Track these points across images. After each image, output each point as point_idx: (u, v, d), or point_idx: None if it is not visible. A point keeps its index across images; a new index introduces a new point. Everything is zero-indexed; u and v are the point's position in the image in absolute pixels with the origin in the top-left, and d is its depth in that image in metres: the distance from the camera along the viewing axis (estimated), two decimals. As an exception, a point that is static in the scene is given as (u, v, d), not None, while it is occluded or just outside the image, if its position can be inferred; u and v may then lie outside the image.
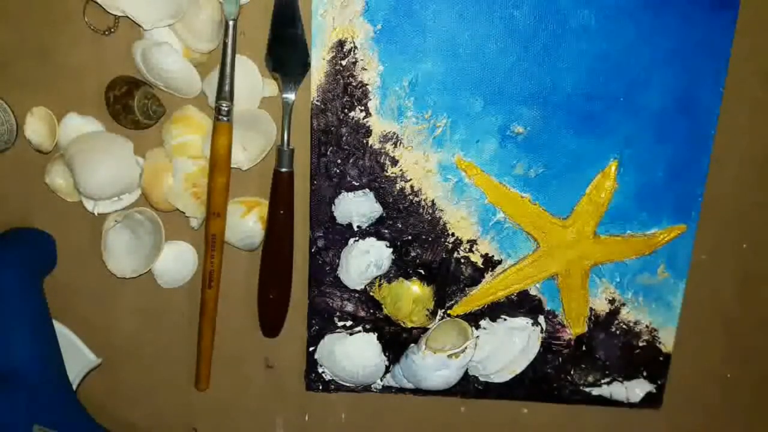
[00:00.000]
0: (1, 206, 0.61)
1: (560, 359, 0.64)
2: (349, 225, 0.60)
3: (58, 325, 0.61)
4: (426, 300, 0.62)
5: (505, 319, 0.63)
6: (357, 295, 0.62)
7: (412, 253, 0.61)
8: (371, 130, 0.58)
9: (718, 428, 0.69)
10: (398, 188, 0.59)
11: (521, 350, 0.63)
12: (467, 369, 0.63)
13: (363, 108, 0.57)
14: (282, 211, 0.58)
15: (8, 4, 0.56)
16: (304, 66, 0.56)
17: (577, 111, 0.58)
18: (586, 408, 0.66)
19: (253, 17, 0.56)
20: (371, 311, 0.63)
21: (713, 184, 0.60)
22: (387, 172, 0.59)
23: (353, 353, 0.63)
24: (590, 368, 0.65)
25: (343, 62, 0.56)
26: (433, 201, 0.60)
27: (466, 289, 0.62)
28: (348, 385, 0.65)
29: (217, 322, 0.62)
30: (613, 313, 0.63)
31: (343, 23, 0.55)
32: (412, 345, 0.62)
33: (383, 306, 0.62)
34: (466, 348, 0.60)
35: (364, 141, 0.58)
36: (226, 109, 0.55)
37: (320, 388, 0.65)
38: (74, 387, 0.62)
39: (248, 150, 0.58)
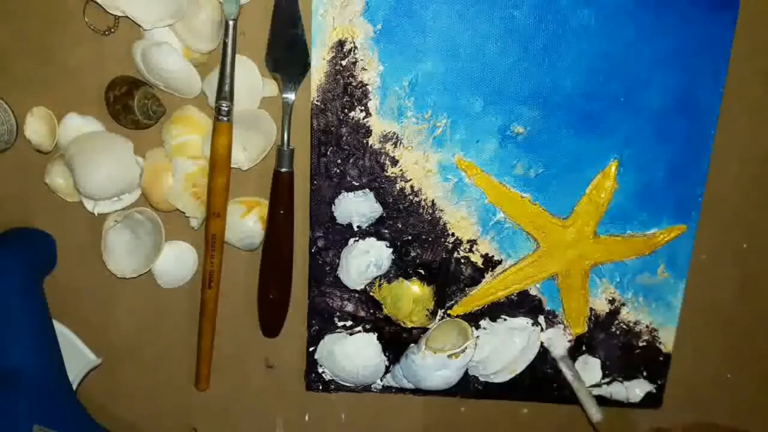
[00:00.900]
0: (1, 206, 0.61)
1: (560, 359, 0.65)
2: (349, 225, 0.60)
3: (58, 325, 0.61)
4: (426, 300, 0.62)
5: (505, 319, 0.63)
6: (357, 295, 0.62)
7: (412, 253, 0.61)
8: (371, 130, 0.58)
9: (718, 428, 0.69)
10: (398, 188, 0.59)
11: (521, 350, 0.63)
12: (467, 369, 0.63)
13: (363, 108, 0.57)
14: (282, 211, 0.58)
15: (8, 4, 0.56)
16: (304, 66, 0.56)
17: (577, 111, 0.58)
18: (586, 408, 0.67)
19: (253, 17, 0.56)
20: (371, 311, 0.63)
21: (713, 184, 0.60)
22: (387, 172, 0.59)
23: (353, 353, 0.63)
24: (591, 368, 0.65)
25: (343, 62, 0.56)
26: (433, 201, 0.60)
27: (466, 289, 0.62)
28: (348, 385, 0.65)
29: (217, 322, 0.62)
30: (613, 313, 0.63)
31: (343, 23, 0.55)
32: (412, 345, 0.62)
33: (383, 306, 0.62)
34: (466, 348, 0.60)
35: (364, 141, 0.58)
36: (226, 109, 0.55)
37: (320, 388, 0.65)
38: (74, 387, 0.62)
39: (248, 150, 0.58)
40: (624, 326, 0.64)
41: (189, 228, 0.60)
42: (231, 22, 0.54)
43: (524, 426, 0.68)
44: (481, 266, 0.62)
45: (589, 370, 0.65)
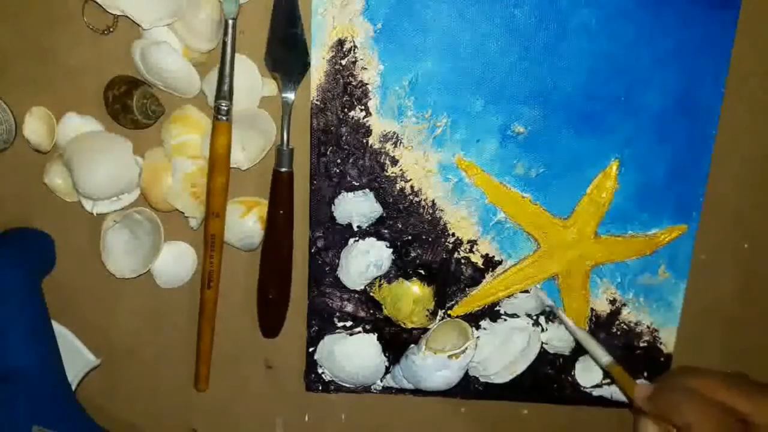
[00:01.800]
0: None
1: (561, 360, 0.64)
2: (349, 225, 0.60)
3: (57, 326, 0.61)
4: (426, 300, 0.62)
5: (505, 320, 0.63)
6: (357, 295, 0.62)
7: (413, 254, 0.61)
8: (371, 130, 0.58)
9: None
10: (398, 188, 0.59)
11: (521, 351, 0.63)
12: (467, 369, 0.62)
13: (363, 108, 0.57)
14: (282, 211, 0.58)
15: (8, 4, 0.56)
16: (304, 65, 0.56)
17: (578, 111, 0.58)
18: (587, 409, 0.66)
19: (253, 17, 0.56)
20: (371, 312, 0.62)
21: (714, 184, 0.60)
22: (387, 172, 0.59)
23: (353, 354, 0.63)
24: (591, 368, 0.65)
25: (343, 62, 0.56)
26: (433, 201, 0.60)
27: (467, 289, 0.62)
28: (348, 385, 0.65)
29: (216, 322, 0.62)
30: (614, 314, 0.63)
31: (343, 22, 0.55)
32: (413, 345, 0.62)
33: (383, 306, 0.62)
34: (466, 348, 0.60)
35: (364, 141, 0.58)
36: (225, 108, 0.55)
37: (320, 388, 0.65)
38: (74, 387, 0.62)
39: (247, 150, 0.57)
40: (625, 326, 0.64)
41: (188, 228, 0.60)
42: (230, 22, 0.54)
43: (525, 427, 0.68)
44: (482, 266, 0.61)
45: (590, 370, 0.65)
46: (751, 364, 0.67)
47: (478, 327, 0.63)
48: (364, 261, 0.60)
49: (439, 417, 0.67)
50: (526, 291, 0.62)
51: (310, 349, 0.64)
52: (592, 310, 0.63)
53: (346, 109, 0.57)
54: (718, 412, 0.51)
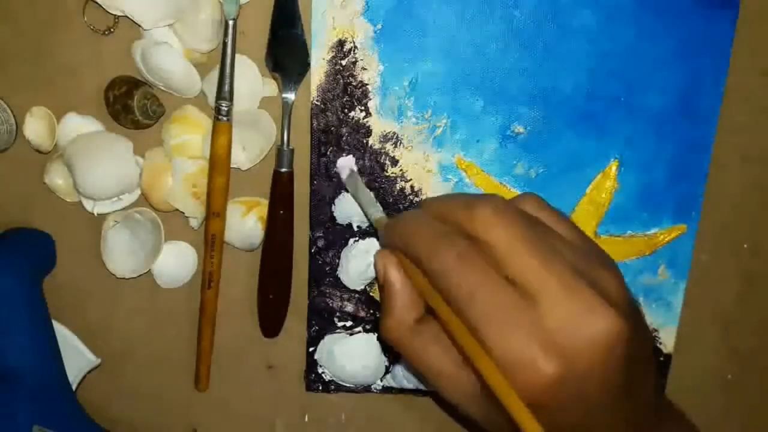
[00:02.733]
0: (0, 206, 0.60)
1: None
2: (349, 225, 0.60)
3: (57, 326, 0.61)
4: (426, 300, 0.62)
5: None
6: (357, 295, 0.62)
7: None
8: (371, 130, 0.58)
9: (718, 429, 0.69)
10: (398, 188, 0.59)
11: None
12: (467, 369, 0.62)
13: (363, 108, 0.57)
14: (282, 211, 0.58)
15: (8, 4, 0.56)
16: (304, 66, 0.56)
17: (578, 111, 0.58)
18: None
19: (253, 17, 0.56)
20: (371, 311, 0.62)
21: (713, 184, 0.60)
22: (387, 172, 0.59)
23: (353, 354, 0.63)
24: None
25: (343, 62, 0.56)
26: (433, 201, 0.60)
27: (467, 289, 0.62)
28: (348, 385, 0.65)
29: (217, 322, 0.62)
30: (614, 314, 0.63)
31: (343, 23, 0.55)
32: (412, 345, 0.62)
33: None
34: (466, 348, 0.60)
35: (364, 141, 0.58)
36: (225, 108, 0.55)
37: (320, 388, 0.65)
38: (74, 387, 0.62)
39: (248, 150, 0.57)
40: (624, 326, 0.63)
41: (189, 228, 0.60)
42: (231, 22, 0.54)
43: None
44: (482, 266, 0.61)
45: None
46: (752, 365, 0.67)
47: (478, 327, 0.63)
48: (364, 261, 0.60)
49: (439, 417, 0.67)
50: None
51: (310, 349, 0.64)
52: (592, 310, 0.63)
53: (346, 110, 0.57)
54: (447, 232, 0.40)
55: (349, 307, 0.62)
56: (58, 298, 0.61)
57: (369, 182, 0.59)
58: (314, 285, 0.62)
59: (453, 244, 0.39)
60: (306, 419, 0.68)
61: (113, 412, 0.66)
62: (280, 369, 0.66)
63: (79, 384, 0.63)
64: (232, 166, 0.57)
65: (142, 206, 0.59)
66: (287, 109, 0.57)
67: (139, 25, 0.54)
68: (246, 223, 0.59)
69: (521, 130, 0.58)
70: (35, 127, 0.57)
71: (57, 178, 0.58)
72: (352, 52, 0.56)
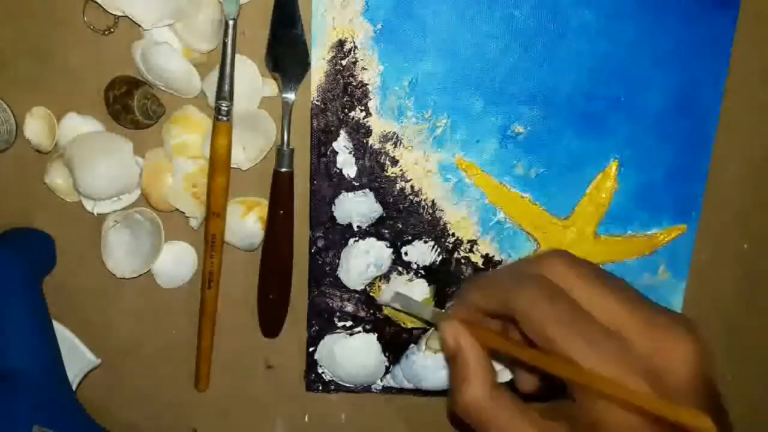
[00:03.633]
0: (0, 206, 0.61)
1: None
2: (349, 225, 0.60)
3: (57, 326, 0.61)
4: (426, 300, 0.62)
5: (505, 320, 0.63)
6: (357, 295, 0.62)
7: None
8: (371, 130, 0.58)
9: (717, 429, 0.69)
10: (398, 188, 0.59)
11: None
12: (467, 369, 0.62)
13: (363, 108, 0.57)
14: (282, 211, 0.58)
15: (8, 4, 0.56)
16: (304, 66, 0.56)
17: (578, 111, 0.58)
18: (587, 408, 0.66)
19: (253, 17, 0.56)
20: (371, 311, 0.62)
21: (713, 184, 0.60)
22: (387, 172, 0.59)
23: (353, 354, 0.63)
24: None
25: (343, 62, 0.56)
26: (433, 201, 0.60)
27: (467, 289, 0.62)
28: (348, 385, 0.65)
29: (217, 322, 0.62)
30: (614, 314, 0.63)
31: (343, 23, 0.55)
32: (413, 345, 0.62)
33: (383, 306, 0.62)
34: (466, 348, 0.60)
35: (364, 141, 0.58)
36: (225, 108, 0.55)
37: (320, 388, 0.65)
38: (74, 387, 0.62)
39: (248, 150, 0.57)
40: (624, 326, 0.63)
41: (189, 228, 0.60)
42: (231, 22, 0.54)
43: (524, 426, 0.68)
44: (482, 266, 0.61)
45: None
46: (752, 365, 0.67)
47: (478, 327, 0.63)
48: (364, 261, 0.60)
49: (439, 417, 0.67)
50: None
51: (310, 349, 0.64)
52: (592, 310, 0.63)
53: (346, 110, 0.57)
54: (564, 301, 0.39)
55: (349, 307, 0.62)
56: (58, 298, 0.61)
57: (369, 182, 0.59)
58: (314, 285, 0.62)
59: (554, 300, 0.40)
60: (306, 419, 0.68)
61: (113, 412, 0.66)
62: (280, 369, 0.66)
63: (79, 384, 0.63)
64: (232, 166, 0.57)
65: (142, 206, 0.59)
66: (287, 109, 0.57)
67: (139, 25, 0.54)
68: (246, 223, 0.59)
69: (521, 130, 0.58)
70: (35, 127, 0.57)
71: (57, 178, 0.59)
72: (352, 52, 0.56)
